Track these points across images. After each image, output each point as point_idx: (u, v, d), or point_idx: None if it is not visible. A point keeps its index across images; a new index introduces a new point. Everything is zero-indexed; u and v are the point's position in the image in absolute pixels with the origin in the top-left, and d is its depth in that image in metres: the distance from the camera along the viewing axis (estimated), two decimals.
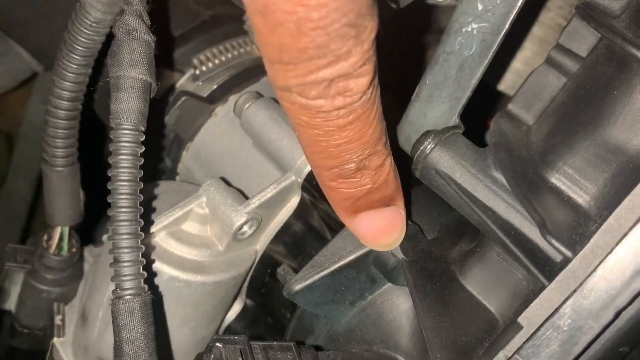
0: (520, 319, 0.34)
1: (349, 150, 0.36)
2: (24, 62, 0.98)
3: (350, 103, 0.33)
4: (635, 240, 0.31)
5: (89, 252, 0.63)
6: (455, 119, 0.45)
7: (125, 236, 0.38)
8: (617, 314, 0.32)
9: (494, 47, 0.43)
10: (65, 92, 0.50)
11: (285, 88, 0.32)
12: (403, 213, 0.43)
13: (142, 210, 0.40)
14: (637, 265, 0.31)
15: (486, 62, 0.43)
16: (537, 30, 0.70)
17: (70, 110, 0.52)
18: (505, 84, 0.74)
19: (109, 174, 0.39)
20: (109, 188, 0.39)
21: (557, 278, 0.33)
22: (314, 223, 0.51)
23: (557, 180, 0.38)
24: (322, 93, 0.32)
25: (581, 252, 0.32)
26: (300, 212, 0.51)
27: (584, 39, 0.42)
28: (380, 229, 0.43)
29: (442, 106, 0.45)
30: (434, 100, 0.45)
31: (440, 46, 0.44)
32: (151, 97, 0.42)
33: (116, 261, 0.38)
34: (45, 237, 0.59)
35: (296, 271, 0.49)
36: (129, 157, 0.39)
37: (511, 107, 0.45)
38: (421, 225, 0.48)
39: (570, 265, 0.33)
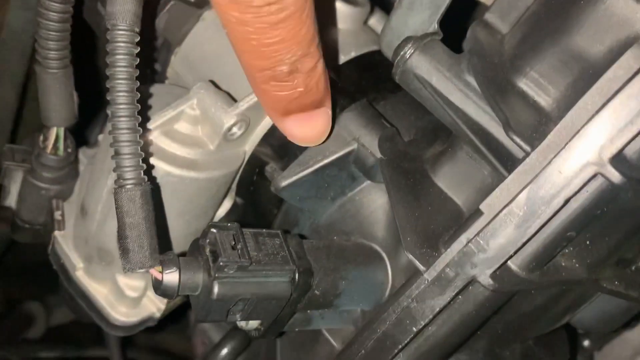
0: (481, 206, 0.38)
1: (281, 50, 0.35)
2: None
3: None
4: (586, 137, 0.35)
5: (82, 153, 0.66)
6: (434, 26, 0.47)
7: (124, 130, 0.41)
8: (566, 201, 0.36)
9: None
10: None
11: None
12: (329, 113, 0.44)
13: (140, 107, 0.42)
14: (585, 159, 0.35)
15: None
16: None
17: (62, 13, 0.53)
18: None
19: (107, 73, 0.42)
20: (107, 86, 0.42)
21: (516, 170, 0.37)
22: None
23: (523, 84, 0.42)
24: None
25: (538, 147, 0.36)
26: None
27: None
28: (308, 132, 0.44)
29: (422, 14, 0.47)
30: (415, 8, 0.47)
31: None
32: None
33: (117, 154, 0.41)
34: (41, 138, 0.62)
35: (282, 170, 0.53)
36: (126, 57, 0.41)
37: (488, 16, 0.47)
38: (399, 128, 0.52)
39: (527, 159, 0.37)
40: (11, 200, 0.64)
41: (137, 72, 0.42)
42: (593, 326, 0.55)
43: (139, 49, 0.42)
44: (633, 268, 0.48)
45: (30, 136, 0.65)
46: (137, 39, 0.42)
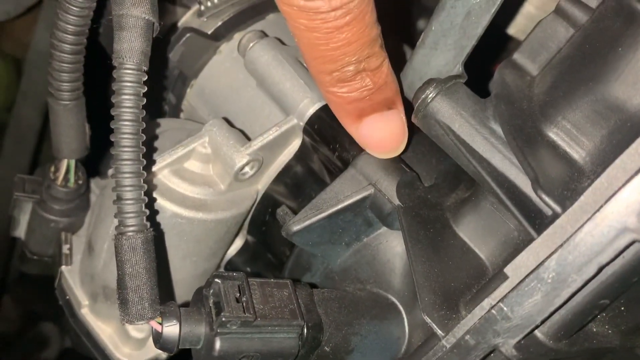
0: (506, 269, 0.35)
1: (348, 52, 0.38)
2: None
3: (347, 2, 0.35)
4: (623, 199, 0.32)
5: (95, 183, 0.64)
6: (459, 68, 0.45)
7: (127, 175, 0.39)
8: (600, 270, 0.33)
9: None
10: (70, 26, 0.50)
11: None
12: (404, 118, 0.44)
13: (145, 149, 0.41)
14: (622, 224, 0.32)
15: (493, 10, 0.43)
16: None
17: (75, 45, 0.51)
18: (516, 28, 0.73)
19: (112, 113, 0.40)
20: (112, 127, 0.40)
21: (545, 232, 0.34)
22: (314, 166, 0.52)
23: (554, 134, 0.39)
24: None
25: (570, 208, 0.33)
26: (301, 154, 0.52)
27: None
28: (385, 135, 0.44)
29: (446, 54, 0.45)
30: (439, 48, 0.45)
31: None
32: (154, 36, 0.42)
33: (119, 199, 0.39)
34: (52, 169, 0.61)
35: (295, 212, 0.50)
36: (131, 97, 0.40)
37: (516, 56, 0.45)
38: (419, 172, 0.49)
39: (558, 221, 0.33)
40: (20, 232, 0.63)
41: (144, 113, 0.40)
42: None
43: (146, 88, 0.41)
44: None
45: (42, 166, 0.63)
46: (145, 78, 0.41)
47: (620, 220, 0.32)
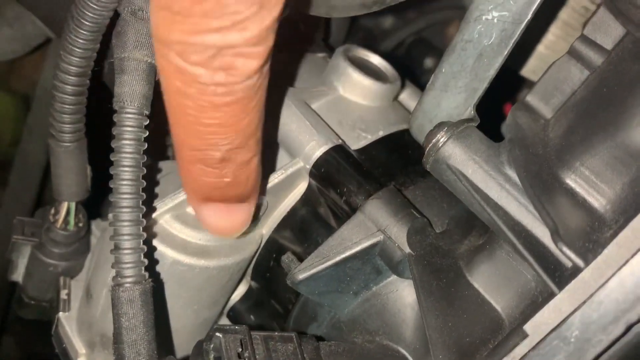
0: (526, 327, 0.33)
1: (219, 135, 0.33)
2: (37, 27, 0.97)
3: (232, 83, 0.30)
4: None
5: (96, 225, 0.62)
6: (470, 111, 0.43)
7: (126, 223, 0.38)
8: (628, 329, 0.31)
9: (515, 37, 0.41)
10: (73, 67, 0.49)
11: (165, 42, 0.29)
12: (252, 211, 0.41)
13: (145, 196, 0.39)
14: None
15: (506, 52, 0.42)
16: (562, 14, 0.67)
17: (77, 86, 0.50)
18: (528, 69, 0.72)
19: (112, 159, 0.39)
20: (111, 173, 0.38)
21: (567, 287, 0.32)
22: (321, 211, 0.50)
23: (572, 181, 0.37)
24: (204, 61, 0.29)
25: (593, 262, 0.31)
26: (307, 198, 0.50)
27: (610, 31, 0.40)
28: (224, 225, 0.41)
29: (457, 97, 0.43)
30: (450, 90, 0.43)
31: (459, 34, 0.42)
32: (156, 79, 0.41)
33: (117, 248, 0.38)
34: (52, 211, 0.59)
35: (302, 258, 0.48)
36: (132, 142, 0.38)
37: (529, 98, 0.43)
38: (430, 218, 0.47)
39: (581, 275, 0.31)
40: (18, 275, 0.61)
41: (144, 158, 0.39)
42: None
43: (147, 133, 0.39)
44: None
45: (42, 208, 0.62)
46: (146, 122, 0.39)
47: None
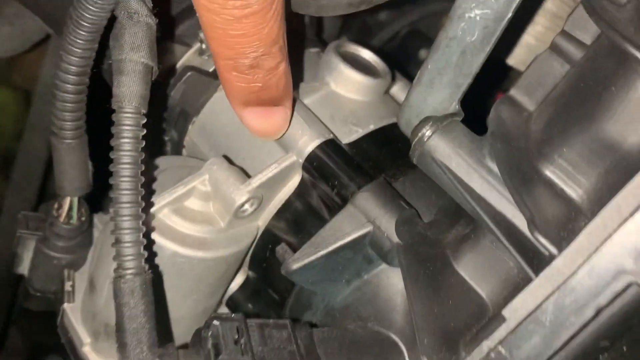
0: (504, 312, 0.35)
1: (244, 44, 0.38)
2: (37, 24, 0.98)
3: None
4: (619, 241, 0.32)
5: (98, 219, 0.64)
6: (455, 106, 0.45)
7: (126, 217, 0.40)
8: (598, 312, 0.32)
9: (496, 35, 0.42)
10: (73, 67, 0.51)
11: None
12: (288, 113, 0.47)
13: (143, 191, 0.41)
14: (620, 266, 0.32)
15: (488, 49, 0.43)
16: (549, 5, 0.69)
17: (77, 85, 0.52)
18: (516, 59, 0.73)
19: (111, 157, 0.40)
20: (111, 170, 0.40)
21: (542, 274, 0.34)
22: (314, 203, 0.52)
23: (551, 172, 0.39)
24: None
25: (565, 250, 0.33)
26: (300, 191, 0.52)
27: (588, 27, 0.42)
28: (265, 126, 0.47)
29: (442, 92, 0.45)
30: (435, 86, 0.45)
31: (443, 31, 0.44)
32: (153, 79, 0.43)
33: (118, 242, 0.40)
34: (55, 206, 0.61)
35: (296, 248, 0.50)
36: (130, 141, 0.40)
37: (513, 92, 0.45)
38: (419, 208, 0.49)
39: (554, 262, 0.33)
40: (24, 269, 0.63)
41: (142, 156, 0.41)
42: None
43: (145, 131, 0.41)
44: None
45: (45, 203, 0.64)
46: (144, 121, 0.41)
47: (616, 262, 0.32)
